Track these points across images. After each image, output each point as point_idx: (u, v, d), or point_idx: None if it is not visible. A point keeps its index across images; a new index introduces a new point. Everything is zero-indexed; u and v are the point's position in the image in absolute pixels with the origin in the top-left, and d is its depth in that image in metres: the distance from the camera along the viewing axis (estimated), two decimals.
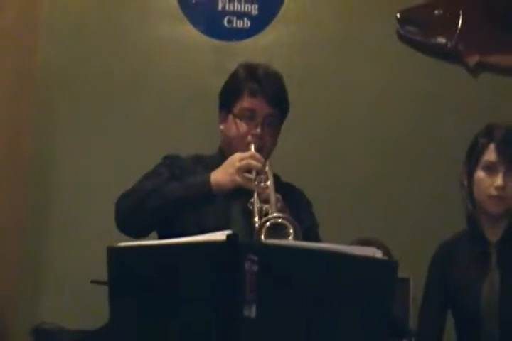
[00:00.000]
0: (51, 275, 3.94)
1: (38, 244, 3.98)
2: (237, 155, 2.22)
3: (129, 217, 2.27)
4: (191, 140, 3.95)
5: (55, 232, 4.00)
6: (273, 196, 2.11)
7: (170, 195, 2.21)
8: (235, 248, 1.63)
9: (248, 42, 4.16)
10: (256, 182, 2.16)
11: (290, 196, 2.33)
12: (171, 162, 2.43)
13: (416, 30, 4.11)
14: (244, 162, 2.17)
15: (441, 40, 4.10)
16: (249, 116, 2.35)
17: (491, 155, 2.44)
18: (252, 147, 2.31)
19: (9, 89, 3.80)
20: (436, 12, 4.12)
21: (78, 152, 4.04)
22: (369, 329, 1.65)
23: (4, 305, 3.69)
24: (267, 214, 2.05)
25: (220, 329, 1.61)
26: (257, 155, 2.22)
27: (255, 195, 2.14)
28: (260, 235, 1.94)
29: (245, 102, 2.36)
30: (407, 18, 4.11)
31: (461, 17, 4.08)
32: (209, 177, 2.20)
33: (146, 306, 1.68)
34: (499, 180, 2.41)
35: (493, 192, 2.42)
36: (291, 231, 1.95)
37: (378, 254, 1.71)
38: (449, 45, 4.08)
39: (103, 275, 1.74)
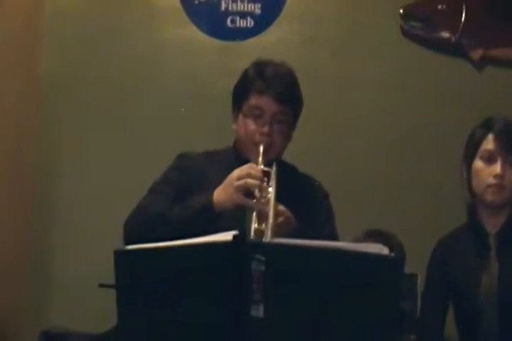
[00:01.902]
0: (59, 280, 3.96)
1: (45, 249, 3.99)
2: (235, 174, 2.20)
3: (137, 241, 2.27)
4: (197, 141, 3.95)
5: (61, 237, 4.01)
6: (272, 214, 2.08)
7: (175, 219, 2.21)
8: (241, 248, 1.64)
9: (252, 41, 4.15)
10: (256, 201, 2.13)
11: (306, 188, 2.36)
12: (182, 163, 2.45)
13: (419, 26, 4.10)
14: (241, 181, 2.17)
15: (445, 34, 4.09)
16: (257, 114, 2.35)
17: (489, 144, 2.47)
18: (261, 147, 2.30)
19: (13, 98, 3.80)
20: (439, 7, 4.11)
21: (82, 161, 4.04)
22: (377, 327, 1.65)
23: (13, 310, 3.70)
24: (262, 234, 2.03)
25: (228, 329, 1.62)
26: (254, 171, 2.20)
27: (254, 214, 2.11)
28: None
29: (253, 100, 2.37)
30: (410, 13, 4.10)
31: (464, 11, 4.06)
32: (211, 198, 2.21)
33: (154, 308, 1.68)
34: (498, 169, 2.44)
35: (492, 181, 2.44)
36: None
37: (385, 251, 1.71)
38: (452, 40, 4.07)
39: (111, 278, 1.74)
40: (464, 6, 4.07)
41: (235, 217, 2.23)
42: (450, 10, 4.09)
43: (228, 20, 4.17)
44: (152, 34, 4.14)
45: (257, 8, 4.17)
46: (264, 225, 2.06)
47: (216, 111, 4.06)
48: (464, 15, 4.06)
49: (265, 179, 2.20)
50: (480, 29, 4.05)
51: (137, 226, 2.26)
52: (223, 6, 4.17)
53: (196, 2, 4.16)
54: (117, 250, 1.72)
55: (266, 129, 2.33)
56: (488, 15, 4.06)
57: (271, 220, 2.06)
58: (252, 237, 2.03)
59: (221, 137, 3.91)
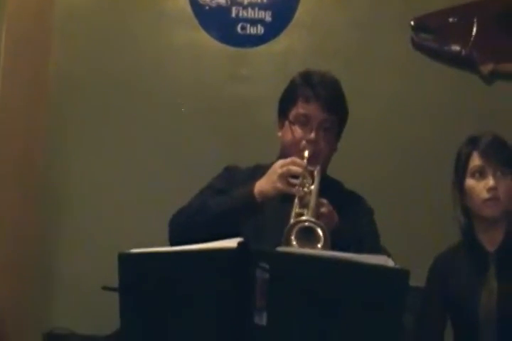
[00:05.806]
0: (62, 282, 3.96)
1: (50, 251, 3.99)
2: (279, 162, 2.23)
3: (180, 235, 2.28)
4: (205, 147, 3.96)
5: (66, 238, 4.01)
6: (313, 201, 2.09)
7: (215, 208, 2.24)
8: (245, 255, 1.63)
9: (262, 48, 4.16)
10: (299, 188, 2.14)
11: (351, 204, 2.37)
12: (229, 173, 2.46)
13: (430, 38, 4.10)
14: (284, 168, 2.18)
15: (456, 47, 4.08)
16: (303, 121, 2.37)
17: (476, 160, 2.49)
18: (306, 153, 2.31)
19: (22, 98, 3.80)
20: (450, 19, 4.11)
21: (90, 162, 4.05)
22: (380, 339, 1.64)
23: (16, 311, 3.70)
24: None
25: (231, 337, 1.61)
26: (298, 160, 2.23)
27: (296, 200, 2.12)
28: (289, 239, 1.95)
29: (300, 108, 2.38)
30: (421, 25, 4.10)
31: (475, 24, 4.06)
32: (253, 187, 2.22)
33: (156, 312, 1.68)
34: (490, 182, 2.45)
35: (487, 195, 2.45)
36: (320, 235, 1.94)
37: (390, 263, 1.70)
38: (463, 53, 4.06)
39: (114, 281, 1.74)
40: (475, 20, 4.06)
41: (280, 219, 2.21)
42: (461, 23, 4.09)
43: (238, 27, 4.17)
44: (162, 38, 4.15)
45: (267, 16, 4.17)
46: (305, 210, 2.06)
47: (224, 116, 4.08)
48: (475, 28, 4.05)
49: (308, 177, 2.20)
50: (491, 43, 4.05)
51: (181, 221, 2.29)
52: (234, 12, 4.18)
53: (207, 8, 4.16)
54: (121, 253, 1.72)
55: (312, 136, 2.34)
56: (499, 30, 4.05)
57: (312, 204, 2.07)
58: (292, 220, 2.02)
59: (228, 142, 3.95)
